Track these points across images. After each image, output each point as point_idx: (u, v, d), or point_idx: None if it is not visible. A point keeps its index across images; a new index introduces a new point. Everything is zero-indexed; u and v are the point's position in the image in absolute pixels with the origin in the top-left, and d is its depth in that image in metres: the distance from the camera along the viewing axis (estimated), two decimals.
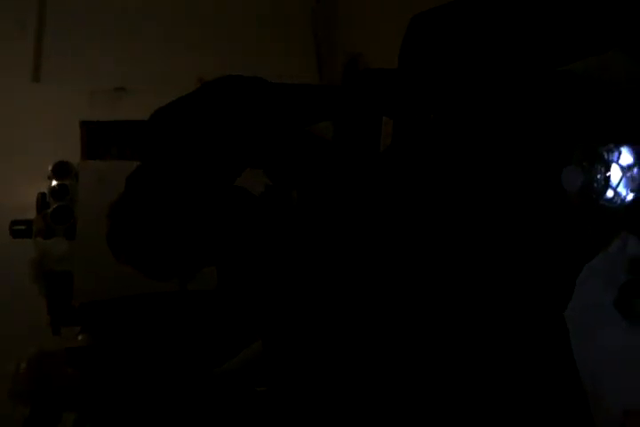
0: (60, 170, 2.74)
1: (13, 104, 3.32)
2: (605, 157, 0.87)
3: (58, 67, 3.50)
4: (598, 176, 0.87)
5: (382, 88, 1.68)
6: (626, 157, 0.86)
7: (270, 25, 3.89)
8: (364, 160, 1.64)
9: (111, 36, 3.59)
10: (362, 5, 3.43)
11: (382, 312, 1.32)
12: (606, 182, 0.86)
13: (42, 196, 2.74)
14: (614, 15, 1.19)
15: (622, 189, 0.86)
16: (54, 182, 2.73)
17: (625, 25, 1.20)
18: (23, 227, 2.68)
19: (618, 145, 0.88)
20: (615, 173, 0.86)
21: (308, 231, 1.50)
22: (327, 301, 1.42)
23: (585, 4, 1.22)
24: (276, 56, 3.78)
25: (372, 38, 3.24)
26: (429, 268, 1.27)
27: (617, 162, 0.86)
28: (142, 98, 3.37)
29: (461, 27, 1.42)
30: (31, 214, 2.70)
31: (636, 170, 0.85)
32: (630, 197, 0.85)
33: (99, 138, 3.10)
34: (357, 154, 1.67)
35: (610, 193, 0.86)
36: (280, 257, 1.50)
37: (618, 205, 0.87)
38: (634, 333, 0.86)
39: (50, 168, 2.76)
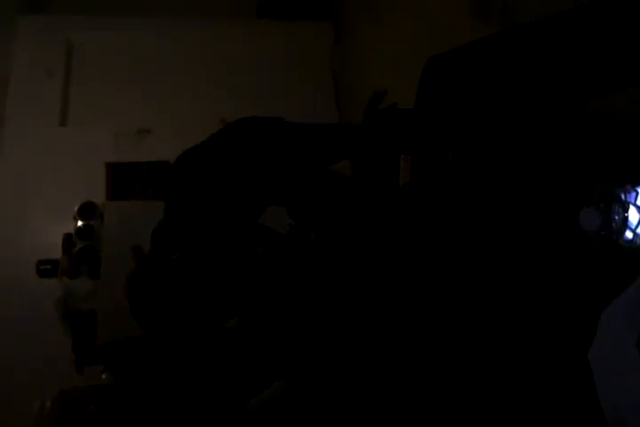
0: (86, 210, 2.80)
1: (42, 147, 3.43)
2: (622, 198, 0.89)
3: (84, 111, 3.61)
4: (616, 217, 0.88)
5: (400, 127, 1.71)
6: None
7: (290, 66, 3.98)
8: (381, 198, 1.66)
9: (135, 80, 3.71)
10: (380, 45, 3.51)
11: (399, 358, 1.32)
12: (624, 223, 0.87)
13: (68, 236, 2.80)
14: (632, 52, 1.21)
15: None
16: (80, 223, 2.79)
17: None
18: (49, 266, 2.73)
19: (635, 186, 0.90)
20: (633, 214, 0.87)
21: (323, 272, 1.51)
22: (345, 340, 1.42)
23: (602, 41, 1.24)
24: (296, 96, 3.85)
25: (390, 78, 3.30)
26: (448, 307, 1.28)
27: (634, 203, 0.88)
28: (165, 139, 3.46)
29: (477, 68, 1.45)
30: (57, 254, 2.76)
31: None
32: None
33: (123, 179, 3.18)
34: (375, 192, 1.69)
35: (629, 234, 0.87)
36: (298, 297, 1.50)
37: (638, 245, 0.88)
38: None
39: (76, 209, 2.83)
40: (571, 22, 1.32)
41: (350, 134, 1.77)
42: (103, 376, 2.53)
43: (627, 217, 0.87)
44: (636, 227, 0.86)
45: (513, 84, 1.39)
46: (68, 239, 2.79)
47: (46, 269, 2.73)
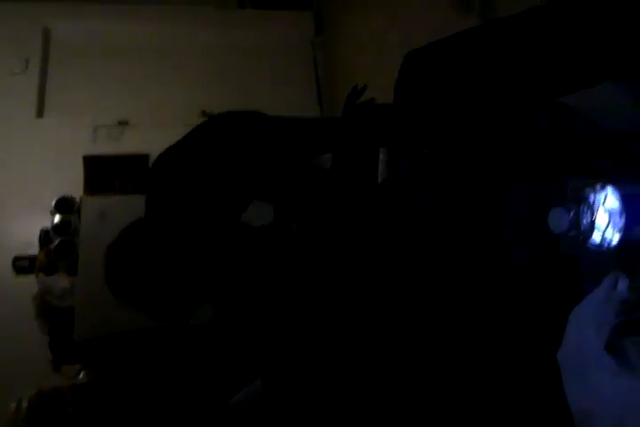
0: (63, 205, 2.77)
1: (17, 139, 3.36)
2: (591, 198, 0.87)
3: (61, 102, 3.55)
4: (584, 218, 0.86)
5: (378, 122, 1.69)
6: (611, 198, 0.86)
7: (270, 57, 3.94)
8: (360, 192, 1.65)
9: (113, 71, 3.65)
10: (361, 36, 3.48)
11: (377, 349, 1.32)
12: (592, 224, 0.86)
13: (45, 231, 2.76)
14: (609, 45, 1.20)
15: (609, 231, 0.85)
16: (57, 218, 2.75)
17: (616, 58, 1.21)
18: (26, 263, 2.70)
19: (603, 186, 0.88)
20: (601, 215, 0.85)
21: (305, 263, 1.50)
22: (325, 333, 1.42)
23: (575, 36, 1.23)
24: (276, 88, 3.82)
25: (371, 68, 3.28)
26: (421, 306, 1.27)
27: (603, 203, 0.86)
28: (145, 131, 3.41)
29: (454, 62, 1.44)
30: (34, 250, 2.72)
31: (621, 211, 0.84)
32: (617, 238, 0.84)
33: (101, 172, 3.13)
34: (355, 185, 1.68)
35: (597, 235, 0.85)
36: (278, 289, 1.50)
37: (605, 246, 0.86)
38: (625, 376, 0.85)
39: (53, 203, 2.79)
40: (547, 16, 1.31)
41: (330, 128, 1.76)
42: (81, 376, 2.51)
43: (594, 218, 0.85)
44: (605, 229, 0.85)
45: (490, 78, 1.38)
46: (45, 235, 2.76)
47: (23, 265, 2.70)
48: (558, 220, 0.87)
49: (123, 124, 3.41)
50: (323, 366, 1.44)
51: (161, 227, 1.49)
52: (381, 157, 1.73)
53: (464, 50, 1.42)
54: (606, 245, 0.85)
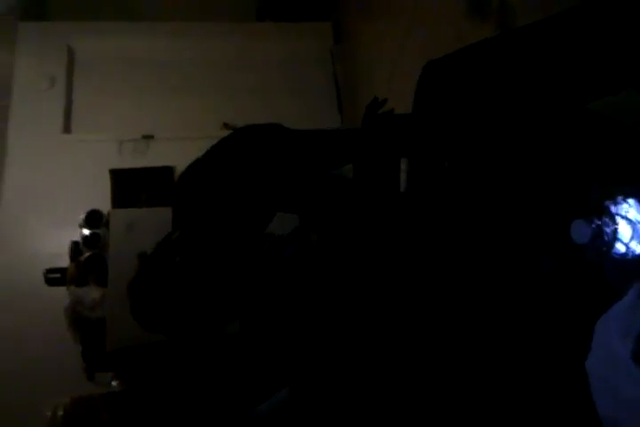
0: (92, 219, 2.83)
1: (46, 155, 3.45)
2: (613, 210, 0.89)
3: (87, 118, 3.63)
4: (607, 229, 0.88)
5: (398, 132, 1.72)
6: (633, 209, 0.88)
7: (291, 68, 3.99)
8: (382, 202, 1.68)
9: (137, 86, 3.72)
10: (379, 45, 3.51)
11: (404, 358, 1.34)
12: (615, 235, 0.88)
13: (75, 244, 2.83)
14: (627, 55, 1.21)
15: (632, 242, 0.87)
16: (86, 231, 2.82)
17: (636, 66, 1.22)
18: (58, 275, 2.76)
19: (625, 197, 0.90)
20: (623, 227, 0.87)
21: (325, 273, 1.53)
22: (347, 344, 1.44)
23: (597, 44, 1.24)
24: (297, 98, 3.86)
25: (390, 79, 3.30)
26: (446, 311, 1.29)
27: (625, 215, 0.88)
28: (169, 144, 3.48)
29: (473, 73, 1.45)
30: (65, 263, 2.78)
31: None
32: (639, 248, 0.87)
33: (128, 185, 3.20)
34: (376, 195, 1.70)
35: (620, 246, 0.88)
36: (299, 297, 1.52)
37: (630, 257, 0.88)
38: None
39: (82, 217, 2.86)
40: (566, 25, 1.32)
41: (351, 140, 1.79)
42: (114, 384, 2.57)
43: (617, 229, 0.87)
44: (630, 240, 0.87)
45: (509, 88, 1.39)
46: (75, 248, 2.82)
47: (55, 277, 2.76)
48: (580, 231, 0.89)
49: (147, 137, 3.47)
50: (347, 373, 1.46)
51: (189, 241, 1.53)
52: (403, 166, 1.76)
53: (482, 60, 1.44)
54: (630, 255, 0.87)
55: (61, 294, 2.79)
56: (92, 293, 2.62)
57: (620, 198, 0.90)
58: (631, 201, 0.89)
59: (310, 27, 4.12)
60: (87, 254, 2.68)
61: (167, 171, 3.20)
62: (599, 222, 0.89)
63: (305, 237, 1.61)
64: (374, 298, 1.46)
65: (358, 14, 3.80)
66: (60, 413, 2.49)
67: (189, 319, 1.46)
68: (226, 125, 3.65)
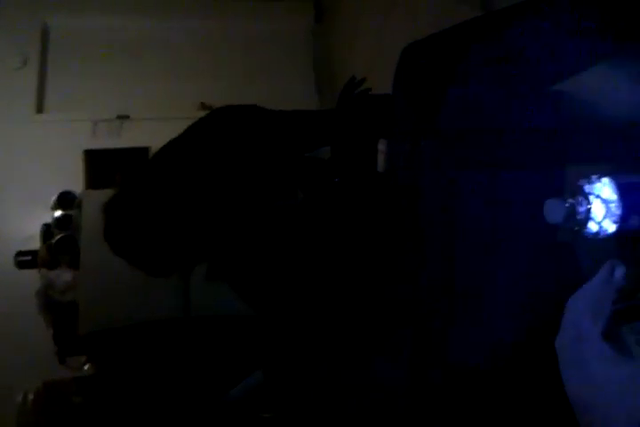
0: (64, 200, 2.77)
1: (17, 135, 3.37)
2: (586, 189, 0.87)
3: (60, 98, 3.55)
4: (580, 209, 0.87)
5: (374, 112, 1.70)
6: (607, 188, 0.86)
7: (270, 47, 3.94)
8: (359, 183, 1.67)
9: (112, 65, 3.65)
10: (361, 25, 3.47)
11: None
12: (588, 214, 0.86)
13: (46, 226, 2.77)
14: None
15: (605, 221, 0.86)
16: (58, 213, 2.76)
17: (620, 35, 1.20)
18: (28, 257, 2.71)
19: (600, 176, 0.88)
20: (597, 205, 0.86)
21: (310, 229, 1.52)
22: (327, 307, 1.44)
23: (578, 23, 1.23)
24: (276, 77, 3.82)
25: (371, 58, 3.27)
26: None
27: (599, 194, 0.86)
28: (145, 125, 3.42)
29: (453, 55, 1.44)
30: (36, 245, 2.73)
31: (616, 201, 0.85)
32: (613, 228, 0.85)
33: (102, 166, 3.14)
34: (354, 176, 1.69)
35: (592, 225, 0.86)
36: (280, 253, 1.52)
37: (601, 236, 0.87)
38: (624, 364, 0.85)
39: (54, 198, 2.80)
40: (548, 5, 1.30)
41: (327, 120, 1.77)
42: (86, 367, 2.54)
43: (589, 209, 0.85)
44: (602, 219, 0.85)
45: (490, 69, 1.38)
46: (46, 230, 2.76)
47: (25, 260, 2.71)
48: (554, 210, 0.88)
49: (122, 117, 3.41)
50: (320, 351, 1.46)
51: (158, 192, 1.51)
52: (381, 147, 1.74)
53: (463, 43, 1.42)
54: (602, 234, 0.86)
55: (34, 278, 2.74)
56: (64, 275, 2.57)
57: (594, 177, 0.88)
58: (605, 180, 0.87)
59: (291, 5, 4.05)
60: (58, 237, 2.63)
61: (142, 151, 3.13)
62: (572, 201, 0.88)
63: (292, 194, 1.60)
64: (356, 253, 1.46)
65: None
66: (31, 397, 2.46)
67: (160, 245, 1.45)
68: (203, 105, 3.59)
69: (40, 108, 3.52)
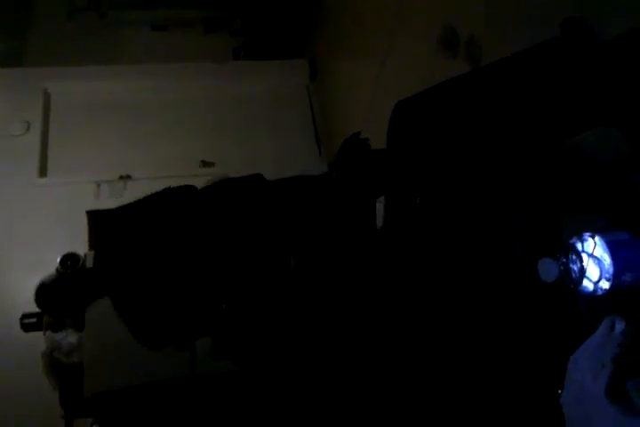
0: (68, 261, 2.78)
1: (21, 199, 3.43)
2: (579, 247, 0.90)
3: (63, 161, 3.63)
4: (574, 267, 0.89)
5: (371, 169, 1.74)
6: (599, 246, 0.88)
7: (268, 105, 4.03)
8: (358, 235, 1.69)
9: (113, 128, 3.74)
10: (353, 80, 3.57)
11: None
12: (582, 273, 0.88)
13: None
14: (595, 92, 1.24)
15: (599, 279, 0.87)
16: None
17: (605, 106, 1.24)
18: (34, 320, 2.70)
19: (592, 234, 0.91)
20: (590, 264, 0.88)
21: (304, 295, 1.53)
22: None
23: (562, 83, 1.27)
24: (275, 134, 3.90)
25: (366, 113, 3.35)
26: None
27: (591, 253, 0.88)
28: (147, 184, 3.46)
29: (441, 111, 1.48)
30: None
31: (608, 259, 0.87)
32: (607, 285, 0.87)
33: (105, 226, 3.16)
34: (353, 229, 1.71)
35: (587, 283, 0.88)
36: (277, 323, 1.52)
37: (598, 294, 0.88)
38: (630, 421, 0.85)
39: (58, 260, 2.81)
40: (533, 63, 1.36)
41: (325, 186, 1.80)
42: None
43: (583, 267, 0.87)
44: (599, 279, 0.87)
45: (477, 125, 1.42)
46: None
47: (31, 322, 2.70)
48: (548, 269, 0.90)
49: (124, 178, 3.47)
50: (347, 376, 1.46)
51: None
52: (379, 204, 1.77)
53: (451, 99, 1.47)
54: (599, 292, 0.87)
55: (38, 340, 2.73)
56: (69, 337, 2.56)
57: (586, 235, 0.90)
58: (597, 238, 0.89)
59: (286, 64, 4.20)
60: None
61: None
62: (565, 260, 0.90)
63: (285, 262, 1.61)
64: (354, 320, 1.47)
65: (333, 51, 3.88)
66: None
67: (157, 319, 1.47)
68: (204, 163, 3.66)
69: (43, 172, 3.60)
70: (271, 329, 1.51)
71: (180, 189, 1.69)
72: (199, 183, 3.02)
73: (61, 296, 1.65)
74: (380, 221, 1.76)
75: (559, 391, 0.95)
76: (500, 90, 1.38)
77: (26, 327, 2.69)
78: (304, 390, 1.51)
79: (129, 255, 1.55)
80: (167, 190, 1.65)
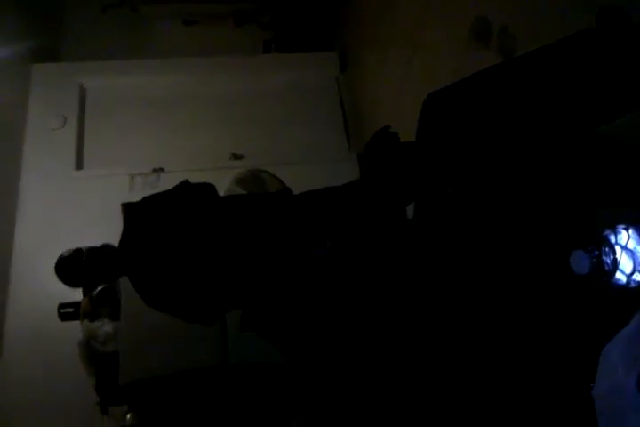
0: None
1: (60, 191, 3.51)
2: (612, 240, 0.89)
3: (98, 154, 3.70)
4: (606, 259, 0.89)
5: (401, 161, 1.74)
6: (632, 239, 0.88)
7: (297, 98, 4.04)
8: (391, 225, 1.70)
9: (146, 121, 3.80)
10: (384, 72, 3.55)
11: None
12: (615, 265, 0.88)
13: None
14: (628, 80, 1.22)
15: (633, 272, 0.87)
16: None
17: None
18: (71, 309, 2.77)
19: (625, 227, 0.90)
20: (623, 256, 0.88)
21: (340, 278, 1.55)
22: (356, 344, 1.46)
23: (597, 70, 1.25)
24: (304, 127, 3.90)
25: (395, 105, 3.34)
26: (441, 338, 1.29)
27: (624, 245, 0.88)
28: (180, 177, 3.50)
29: (474, 102, 1.47)
30: (78, 297, 2.80)
31: None
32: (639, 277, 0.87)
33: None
34: (386, 220, 1.72)
35: (620, 276, 0.88)
36: (310, 301, 1.54)
37: (631, 286, 0.88)
38: None
39: None
40: (566, 53, 1.34)
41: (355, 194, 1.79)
42: (128, 417, 2.56)
43: (616, 259, 0.87)
44: (633, 272, 0.87)
45: (510, 116, 1.41)
46: None
47: (67, 312, 2.77)
48: (580, 262, 0.90)
49: (158, 170, 3.52)
50: (355, 375, 1.47)
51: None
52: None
53: (483, 91, 1.46)
54: (632, 285, 0.87)
55: (75, 329, 2.80)
56: (106, 327, 2.62)
57: (619, 227, 0.90)
58: (631, 230, 0.89)
59: (316, 57, 4.19)
60: (99, 289, 2.69)
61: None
62: (598, 252, 0.90)
63: (322, 242, 1.63)
64: (383, 303, 1.48)
65: (362, 43, 3.86)
66: None
67: (190, 294, 1.50)
68: (234, 155, 3.69)
69: (80, 165, 3.68)
70: (300, 302, 1.54)
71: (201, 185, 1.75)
72: (229, 176, 3.06)
73: (80, 267, 1.72)
74: (410, 213, 1.77)
75: (591, 385, 0.95)
76: (534, 81, 1.36)
77: (63, 317, 2.76)
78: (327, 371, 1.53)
79: (158, 230, 1.60)
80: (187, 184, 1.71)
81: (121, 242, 1.70)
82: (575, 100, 1.27)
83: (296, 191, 1.78)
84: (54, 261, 2.25)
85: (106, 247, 1.73)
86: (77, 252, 1.69)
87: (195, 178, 2.40)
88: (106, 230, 3.20)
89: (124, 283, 2.71)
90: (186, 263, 1.51)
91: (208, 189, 1.74)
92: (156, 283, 1.54)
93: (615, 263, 0.87)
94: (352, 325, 1.51)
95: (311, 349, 1.57)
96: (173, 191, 1.72)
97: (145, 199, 1.74)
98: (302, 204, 1.65)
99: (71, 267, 1.69)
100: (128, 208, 2.05)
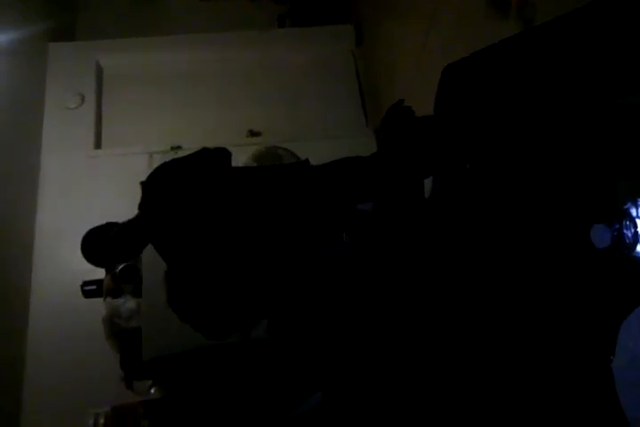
0: None
1: (79, 169, 3.54)
2: (633, 213, 0.88)
3: (117, 133, 3.72)
4: (627, 233, 0.88)
5: (418, 135, 1.72)
6: None
7: (313, 72, 4.01)
8: (407, 208, 1.69)
9: (163, 99, 3.80)
10: (400, 45, 3.50)
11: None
12: (636, 238, 0.87)
13: None
14: None
15: None
16: None
17: None
18: (94, 287, 2.81)
19: None
20: None
21: (357, 275, 1.55)
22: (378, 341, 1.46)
23: (616, 41, 1.22)
24: (321, 101, 3.87)
25: (411, 78, 3.29)
26: (462, 311, 1.29)
27: None
28: None
29: (493, 74, 1.45)
30: (101, 275, 2.84)
31: None
32: None
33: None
34: (401, 202, 1.71)
35: None
36: (332, 300, 1.55)
37: None
38: None
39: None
40: (586, 22, 1.30)
41: (373, 167, 1.78)
42: (152, 391, 2.61)
43: (637, 232, 0.86)
44: None
45: (529, 88, 1.38)
46: None
47: (91, 289, 2.81)
48: (601, 235, 0.89)
49: (176, 148, 3.53)
50: (375, 374, 1.48)
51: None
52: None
53: (502, 62, 1.43)
54: None
55: (99, 306, 2.85)
56: (128, 303, 2.66)
57: (639, 200, 0.89)
58: None
59: (332, 30, 4.14)
60: (122, 266, 2.73)
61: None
62: (619, 226, 0.89)
63: (338, 239, 1.63)
64: (400, 298, 1.48)
65: (378, 16, 3.80)
66: (102, 421, 2.55)
67: (218, 311, 1.51)
68: (251, 132, 3.68)
69: (98, 144, 3.70)
70: (323, 307, 1.54)
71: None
72: (247, 153, 3.04)
73: (103, 244, 1.75)
74: (428, 190, 1.76)
75: (611, 357, 0.95)
76: (555, 50, 1.33)
77: (86, 294, 2.81)
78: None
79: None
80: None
81: (141, 205, 1.72)
82: (597, 70, 1.25)
83: None
84: (75, 239, 2.29)
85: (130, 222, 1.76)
86: (107, 226, 1.72)
87: None
88: (125, 209, 3.25)
89: (146, 260, 2.76)
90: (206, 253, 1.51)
91: (225, 156, 1.75)
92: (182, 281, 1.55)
93: (636, 237, 0.86)
94: (375, 326, 1.51)
95: (336, 352, 1.58)
96: (191, 158, 1.72)
97: (164, 165, 1.74)
98: (320, 175, 1.65)
99: (98, 243, 1.71)
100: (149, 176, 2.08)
